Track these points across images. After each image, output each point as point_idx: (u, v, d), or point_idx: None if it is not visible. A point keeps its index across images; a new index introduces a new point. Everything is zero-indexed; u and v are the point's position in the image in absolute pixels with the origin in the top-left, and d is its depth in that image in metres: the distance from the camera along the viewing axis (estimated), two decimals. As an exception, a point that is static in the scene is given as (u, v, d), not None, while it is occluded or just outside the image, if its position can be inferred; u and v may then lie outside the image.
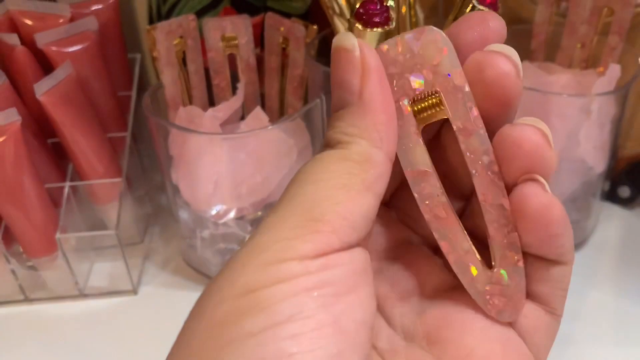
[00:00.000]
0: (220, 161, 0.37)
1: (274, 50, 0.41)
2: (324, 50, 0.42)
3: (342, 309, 0.16)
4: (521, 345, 0.19)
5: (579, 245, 0.44)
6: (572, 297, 0.42)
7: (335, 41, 0.18)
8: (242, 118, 0.42)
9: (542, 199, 0.17)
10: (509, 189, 0.18)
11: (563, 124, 0.38)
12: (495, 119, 0.18)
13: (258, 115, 0.40)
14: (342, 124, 0.18)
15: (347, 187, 0.17)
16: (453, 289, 0.20)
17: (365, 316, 0.17)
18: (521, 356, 0.19)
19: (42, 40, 0.41)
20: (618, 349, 0.38)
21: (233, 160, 0.38)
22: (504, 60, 0.18)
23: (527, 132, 0.18)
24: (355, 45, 0.18)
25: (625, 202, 0.47)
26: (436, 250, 0.22)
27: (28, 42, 0.41)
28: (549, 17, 0.42)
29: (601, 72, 0.41)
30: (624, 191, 0.46)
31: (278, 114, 0.43)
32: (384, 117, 0.18)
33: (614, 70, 0.39)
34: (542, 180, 0.18)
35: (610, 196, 0.47)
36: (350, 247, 0.17)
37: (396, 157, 0.19)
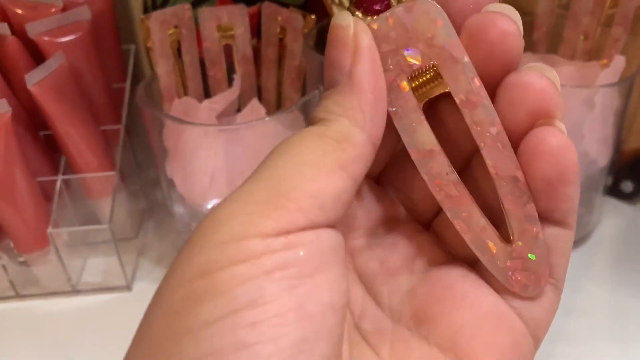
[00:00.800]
0: (216, 154, 0.37)
1: (271, 40, 0.40)
2: (322, 41, 0.41)
3: (307, 291, 0.15)
4: (515, 321, 0.19)
5: (581, 240, 0.43)
6: (575, 292, 0.42)
7: (333, 19, 0.18)
8: (239, 111, 0.41)
9: (560, 139, 0.17)
10: (518, 140, 0.17)
11: (566, 116, 0.37)
12: (497, 84, 0.18)
13: (255, 107, 0.39)
14: (328, 102, 0.18)
15: (320, 164, 0.16)
16: (443, 266, 0.20)
17: (333, 298, 0.16)
18: (515, 333, 0.18)
19: (33, 30, 0.40)
20: (621, 344, 0.37)
21: (229, 153, 0.37)
22: (506, 19, 0.17)
23: (533, 77, 0.17)
24: (350, 23, 0.17)
25: (629, 197, 0.46)
26: (427, 226, 0.21)
27: (19, 32, 0.40)
28: (551, 9, 0.41)
29: (605, 64, 0.40)
30: (627, 186, 0.45)
31: (275, 106, 0.42)
32: (371, 98, 0.17)
33: (619, 62, 0.38)
34: (560, 124, 0.17)
35: (613, 191, 0.46)
36: (317, 227, 0.16)
37: (385, 133, 0.18)
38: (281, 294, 0.15)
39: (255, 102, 0.39)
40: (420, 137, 0.18)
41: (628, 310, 0.39)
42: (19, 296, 0.41)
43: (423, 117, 0.18)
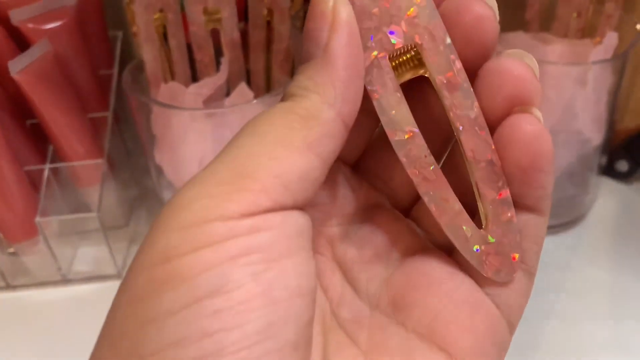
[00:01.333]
0: (205, 139, 0.36)
1: (258, 23, 0.39)
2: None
3: (273, 276, 0.15)
4: (490, 307, 0.19)
5: (577, 220, 0.43)
6: (570, 272, 0.41)
7: None
8: (228, 95, 0.40)
9: (535, 127, 0.17)
10: (494, 126, 0.17)
11: (559, 94, 0.37)
12: (473, 68, 0.18)
13: (243, 91, 0.38)
14: (301, 77, 0.17)
15: (285, 142, 0.16)
16: (421, 252, 0.20)
17: (301, 282, 0.15)
18: (490, 319, 0.18)
19: (17, 17, 0.39)
20: (616, 324, 0.37)
21: (218, 138, 0.36)
22: (482, 3, 0.17)
23: (512, 63, 0.17)
24: None
25: (624, 177, 0.45)
26: (406, 212, 0.21)
27: (3, 19, 0.39)
28: (543, -14, 0.41)
29: (598, 41, 0.39)
30: (622, 165, 0.45)
31: (264, 90, 0.41)
32: (345, 75, 0.17)
33: (611, 38, 0.38)
34: (537, 112, 0.17)
35: (608, 171, 0.46)
36: (282, 208, 0.16)
37: (359, 116, 0.18)
38: (246, 280, 0.14)
39: (243, 86, 0.39)
40: (400, 118, 0.18)
41: (623, 290, 0.39)
42: (9, 287, 0.41)
43: (403, 98, 0.18)
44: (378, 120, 0.18)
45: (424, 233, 0.20)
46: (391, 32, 0.17)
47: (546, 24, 0.41)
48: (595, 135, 0.39)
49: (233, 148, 0.16)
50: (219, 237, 0.15)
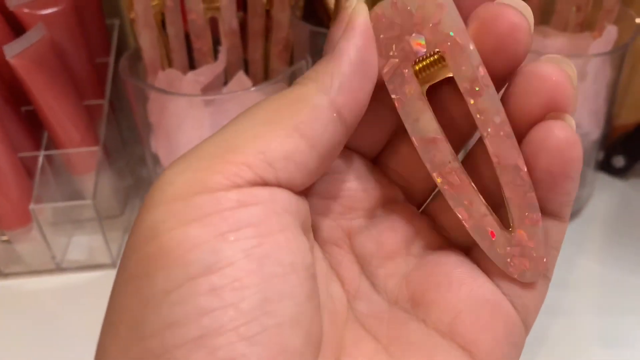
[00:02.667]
0: (202, 127, 0.36)
1: (257, 12, 0.39)
2: (310, 11, 0.40)
3: (266, 252, 0.15)
4: (509, 310, 0.19)
5: (573, 214, 0.43)
6: (565, 266, 0.41)
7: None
8: (225, 85, 0.40)
9: (568, 134, 0.17)
10: (526, 128, 0.17)
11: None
12: (502, 75, 0.18)
13: (241, 79, 0.38)
14: (308, 71, 0.17)
15: (272, 122, 0.16)
16: (440, 251, 0.20)
17: (295, 258, 0.15)
18: (509, 322, 0.19)
19: (13, 1, 0.38)
20: (611, 317, 0.37)
21: (215, 126, 0.36)
22: (517, 13, 0.17)
23: (551, 68, 0.17)
24: (353, 3, 0.18)
25: (620, 172, 0.46)
26: (420, 207, 0.21)
27: (-2, 3, 0.39)
28: (543, -21, 0.41)
29: (597, 36, 0.39)
30: (619, 161, 0.45)
31: (262, 79, 0.41)
32: (347, 69, 0.17)
33: (611, 32, 0.38)
34: (570, 119, 0.17)
35: (605, 166, 0.46)
36: (267, 184, 0.16)
37: (381, 110, 0.18)
38: (238, 257, 0.14)
39: (241, 74, 0.39)
40: (424, 125, 0.18)
41: (618, 284, 0.39)
42: (2, 274, 0.41)
43: (427, 105, 0.18)
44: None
45: (441, 230, 0.21)
46: (415, 40, 0.18)
47: (546, 17, 0.41)
48: (593, 129, 0.39)
49: (222, 129, 0.16)
50: (206, 210, 0.14)
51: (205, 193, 0.15)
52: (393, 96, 0.18)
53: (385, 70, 0.18)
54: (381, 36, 0.18)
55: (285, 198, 0.16)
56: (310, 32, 0.37)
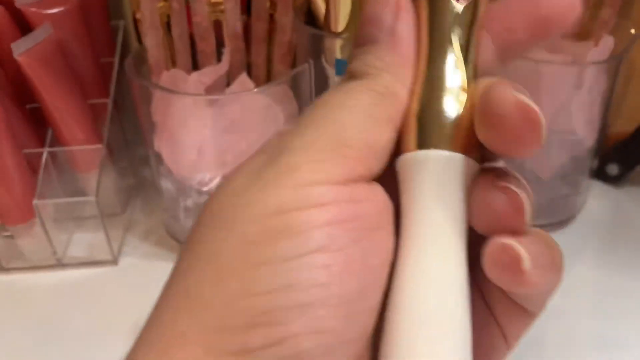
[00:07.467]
0: (204, 126, 0.36)
1: (261, 15, 0.40)
2: (313, 15, 0.41)
3: (370, 245, 0.17)
4: None
5: (567, 220, 0.44)
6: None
7: None
8: (227, 87, 0.41)
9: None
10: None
11: (554, 94, 0.37)
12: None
13: (244, 81, 0.39)
14: (369, 57, 0.18)
15: (372, 116, 0.17)
16: None
17: (389, 255, 0.17)
18: None
19: (21, 0, 0.39)
20: (605, 320, 0.37)
21: (217, 126, 0.37)
22: None
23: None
24: None
25: (614, 180, 0.46)
26: None
27: (6, 1, 0.40)
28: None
29: (594, 46, 0.40)
30: (613, 169, 0.46)
31: (265, 82, 0.42)
32: (413, 56, 0.18)
33: (607, 42, 0.38)
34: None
35: (599, 174, 0.46)
36: (372, 177, 0.17)
37: None
38: (348, 244, 0.16)
39: (244, 76, 0.39)
40: None
41: (611, 288, 0.39)
42: (3, 269, 0.41)
43: None
44: None
45: None
46: None
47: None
48: (588, 137, 0.40)
49: (322, 119, 0.17)
50: (326, 199, 0.16)
51: (327, 184, 0.16)
52: None
53: None
54: None
55: (383, 194, 0.18)
56: (312, 35, 0.38)
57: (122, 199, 0.45)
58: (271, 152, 0.17)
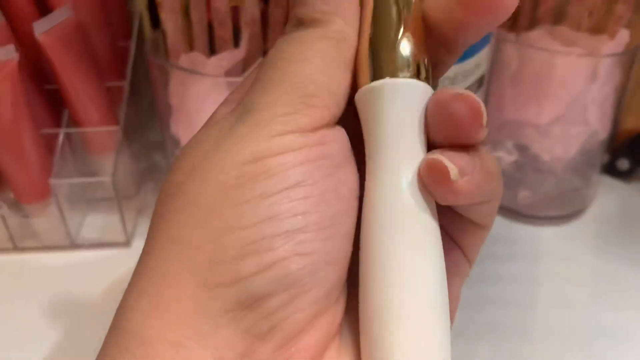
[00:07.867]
0: (222, 110, 0.37)
1: (280, 2, 0.40)
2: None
3: (339, 178, 0.18)
4: None
5: (577, 213, 0.44)
6: (569, 262, 0.42)
7: None
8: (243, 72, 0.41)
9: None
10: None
11: (569, 86, 0.38)
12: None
13: (261, 66, 0.39)
14: (317, 2, 0.19)
15: (332, 64, 0.19)
16: None
17: (355, 186, 0.19)
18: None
19: (40, -19, 0.39)
20: (613, 312, 0.38)
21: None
22: None
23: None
24: None
25: (624, 175, 0.47)
26: None
27: (25, -17, 0.40)
28: (557, -17, 0.42)
29: (610, 39, 0.40)
30: (623, 164, 0.46)
31: (281, 69, 0.42)
32: None
33: (623, 36, 0.39)
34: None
35: (610, 169, 0.47)
36: (335, 120, 0.19)
37: None
38: (322, 178, 0.18)
39: (261, 61, 0.39)
40: None
41: (620, 280, 0.40)
42: (16, 249, 0.41)
43: None
44: None
45: None
46: None
47: (558, 21, 0.42)
48: (601, 130, 0.40)
49: (287, 75, 0.18)
50: (297, 145, 0.18)
51: (298, 132, 0.18)
52: None
53: None
54: None
55: (344, 135, 0.19)
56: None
57: (135, 181, 0.45)
58: (239, 113, 0.19)
